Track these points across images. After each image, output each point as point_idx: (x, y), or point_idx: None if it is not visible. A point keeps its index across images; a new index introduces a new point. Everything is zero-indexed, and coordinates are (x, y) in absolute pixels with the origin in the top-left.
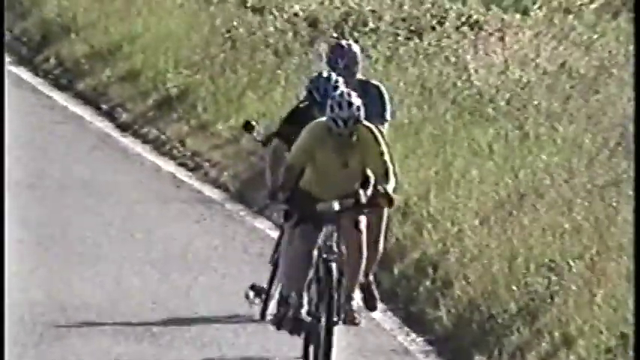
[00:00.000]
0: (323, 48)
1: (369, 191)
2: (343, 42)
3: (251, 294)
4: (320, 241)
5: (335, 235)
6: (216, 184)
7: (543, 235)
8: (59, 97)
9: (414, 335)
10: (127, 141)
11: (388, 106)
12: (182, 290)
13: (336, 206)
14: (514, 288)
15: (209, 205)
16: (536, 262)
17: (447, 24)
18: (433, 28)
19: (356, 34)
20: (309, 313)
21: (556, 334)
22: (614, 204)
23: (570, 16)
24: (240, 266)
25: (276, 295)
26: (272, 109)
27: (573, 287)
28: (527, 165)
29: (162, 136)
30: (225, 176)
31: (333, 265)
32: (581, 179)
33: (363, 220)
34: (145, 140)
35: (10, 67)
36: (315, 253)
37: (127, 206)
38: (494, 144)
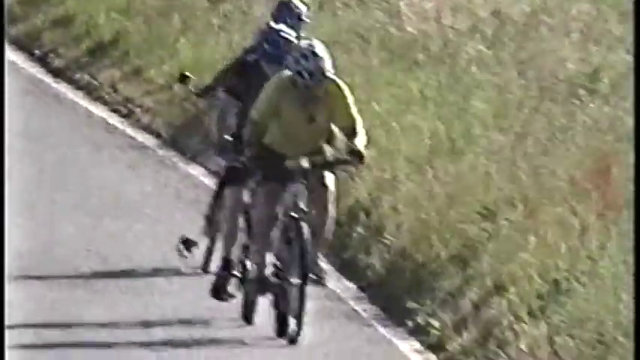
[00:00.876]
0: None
1: (340, 147)
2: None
3: (181, 246)
4: (288, 199)
5: (305, 193)
6: (148, 130)
7: (477, 182)
8: None
9: (346, 282)
10: (60, 87)
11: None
12: (115, 236)
13: (305, 163)
14: (447, 235)
15: (142, 151)
16: (470, 209)
17: None
18: None
19: None
20: (276, 274)
21: (487, 280)
22: (547, 149)
23: None
24: (173, 212)
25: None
26: (206, 56)
27: (506, 233)
28: (460, 112)
29: (95, 82)
30: (157, 122)
31: (304, 225)
32: (513, 126)
33: (329, 176)
34: (78, 86)
35: None
36: (281, 212)
37: (59, 152)
38: (426, 90)
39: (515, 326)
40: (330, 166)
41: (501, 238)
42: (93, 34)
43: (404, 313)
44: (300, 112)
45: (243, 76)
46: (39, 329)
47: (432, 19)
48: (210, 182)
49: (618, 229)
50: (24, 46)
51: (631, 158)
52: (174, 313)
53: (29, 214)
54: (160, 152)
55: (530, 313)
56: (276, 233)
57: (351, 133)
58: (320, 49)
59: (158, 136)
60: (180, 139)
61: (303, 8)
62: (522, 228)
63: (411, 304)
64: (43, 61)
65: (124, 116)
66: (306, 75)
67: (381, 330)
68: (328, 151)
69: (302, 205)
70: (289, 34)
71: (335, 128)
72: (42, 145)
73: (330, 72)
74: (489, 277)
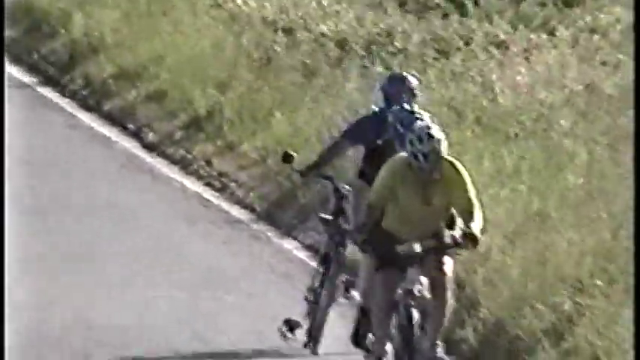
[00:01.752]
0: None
1: (457, 232)
2: (400, 73)
3: (284, 328)
4: (403, 286)
5: (418, 278)
6: (242, 204)
7: (570, 255)
8: (86, 118)
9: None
10: (154, 161)
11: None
12: (209, 311)
13: (418, 248)
14: (540, 307)
15: (236, 226)
16: (563, 281)
17: (474, 44)
18: (460, 49)
19: (384, 55)
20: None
21: (584, 355)
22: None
23: (596, 36)
24: (267, 286)
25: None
26: (299, 129)
27: (599, 306)
28: (553, 185)
29: (189, 156)
30: (251, 196)
31: (414, 312)
32: (606, 200)
33: (448, 261)
34: (172, 160)
35: (37, 87)
36: (398, 298)
37: (153, 226)
38: (520, 163)
39: None
40: (444, 249)
41: (594, 310)
42: (187, 108)
43: None
44: (417, 194)
45: (378, 162)
46: None
47: (524, 93)
48: (304, 256)
49: None
50: (118, 121)
51: None
52: None
53: (124, 288)
54: (254, 226)
55: None
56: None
57: (467, 216)
58: (436, 130)
59: (252, 210)
60: (274, 213)
61: (415, 82)
62: (615, 300)
63: None
64: (137, 136)
65: (218, 190)
66: (421, 158)
67: None
68: (447, 235)
69: (417, 292)
70: (420, 113)
71: (454, 211)
72: (137, 220)
73: (446, 154)
74: (585, 351)
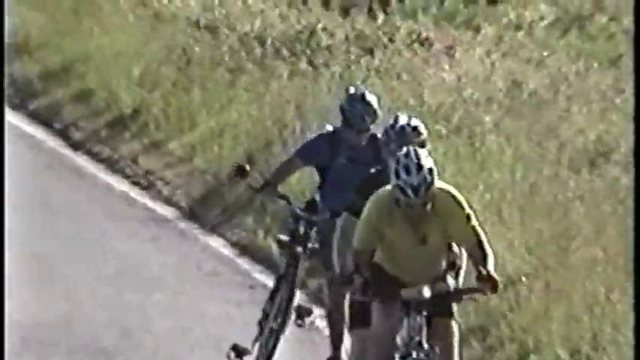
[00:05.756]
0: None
1: (461, 274)
2: (360, 91)
3: (232, 354)
4: (405, 333)
5: (424, 328)
6: (169, 202)
7: (501, 251)
8: (12, 117)
9: None
10: (80, 160)
11: None
12: (136, 308)
13: (427, 293)
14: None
15: (162, 224)
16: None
17: (398, 41)
18: (385, 46)
19: (308, 52)
20: None
21: (511, 347)
22: (575, 219)
23: (520, 33)
24: (194, 284)
25: None
26: (225, 128)
27: (530, 302)
28: (481, 182)
29: (115, 155)
30: (178, 194)
31: None
32: (540, 195)
33: (456, 310)
34: (98, 159)
35: None
36: (398, 342)
37: (79, 225)
38: (446, 161)
39: None
40: (457, 295)
41: (525, 306)
42: (113, 107)
43: None
44: (408, 233)
45: (369, 192)
46: None
47: (450, 90)
48: (231, 253)
49: None
50: (44, 120)
51: None
52: None
53: (50, 286)
54: (181, 224)
55: None
56: None
57: (475, 251)
58: (424, 157)
59: (178, 208)
60: (200, 211)
61: (375, 101)
62: (546, 296)
63: None
64: (63, 135)
65: (144, 189)
66: (409, 191)
67: None
68: (451, 279)
69: (423, 343)
70: (415, 126)
71: (456, 248)
72: (63, 218)
73: (437, 184)
74: (511, 345)
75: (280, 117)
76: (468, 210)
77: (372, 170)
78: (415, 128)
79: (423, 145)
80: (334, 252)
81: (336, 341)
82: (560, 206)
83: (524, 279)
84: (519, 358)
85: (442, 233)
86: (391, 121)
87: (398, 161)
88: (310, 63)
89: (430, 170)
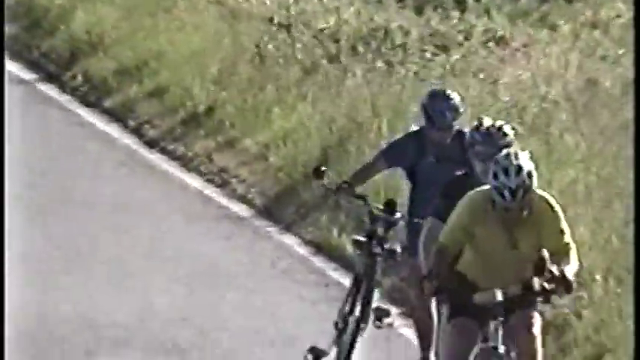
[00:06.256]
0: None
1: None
2: (441, 88)
3: (310, 357)
4: (480, 340)
5: (500, 332)
6: (243, 200)
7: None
8: (86, 114)
9: None
10: (155, 157)
11: None
12: (210, 307)
13: (499, 296)
14: None
15: (237, 222)
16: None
17: (474, 39)
18: (460, 44)
19: (383, 50)
20: None
21: (586, 347)
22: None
23: (597, 32)
24: (268, 283)
25: None
26: (299, 125)
27: (603, 301)
28: (555, 180)
29: (190, 153)
30: (252, 192)
31: None
32: (616, 194)
33: (537, 319)
34: (173, 157)
35: (37, 84)
36: (475, 352)
37: (154, 223)
38: None
39: None
40: (530, 297)
41: (596, 305)
42: (187, 104)
43: None
44: (501, 237)
45: (453, 196)
46: None
47: (526, 88)
48: (305, 252)
49: None
50: (119, 118)
51: None
52: None
53: (125, 284)
54: (255, 222)
55: None
56: None
57: (562, 260)
58: (525, 160)
59: (253, 206)
60: (275, 209)
61: (458, 98)
62: (617, 295)
63: None
64: (137, 133)
65: (218, 186)
66: (507, 194)
67: None
68: (537, 282)
69: (499, 348)
70: (500, 127)
71: (546, 255)
72: (136, 216)
73: (536, 189)
74: (584, 345)
75: (355, 115)
76: (562, 219)
77: (458, 173)
78: (500, 129)
79: (508, 147)
80: (420, 254)
81: (423, 343)
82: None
83: (597, 277)
84: (594, 358)
85: (534, 241)
86: (476, 123)
87: (497, 162)
88: (385, 61)
89: (529, 174)
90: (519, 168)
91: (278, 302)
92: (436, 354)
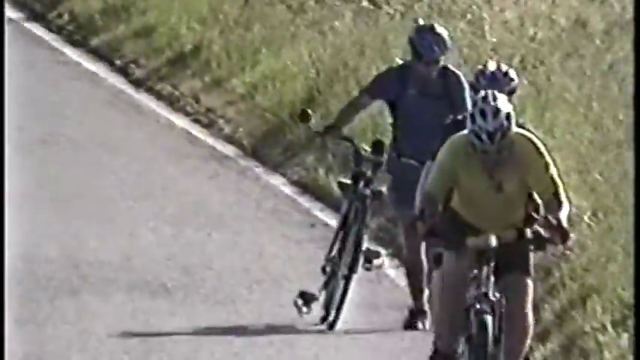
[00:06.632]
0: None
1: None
2: (429, 23)
3: (299, 302)
4: (471, 286)
5: (492, 279)
6: (230, 140)
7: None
8: (73, 53)
9: None
10: (141, 97)
11: (468, 97)
12: (196, 246)
13: (494, 241)
14: None
15: (223, 162)
16: None
17: None
18: None
19: None
20: None
21: (573, 287)
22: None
23: None
24: (254, 223)
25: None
26: (287, 66)
27: (589, 243)
28: (543, 123)
29: (176, 92)
30: (239, 132)
31: (488, 319)
32: (603, 136)
33: (529, 288)
34: (159, 96)
35: (23, 23)
36: (469, 301)
37: (140, 162)
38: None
39: (599, 336)
40: (524, 244)
41: (583, 246)
42: (174, 44)
43: None
44: (483, 180)
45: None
46: (120, 339)
47: (515, 30)
48: (291, 192)
49: None
50: (105, 57)
51: None
52: (255, 322)
53: (110, 224)
54: (241, 162)
55: (614, 324)
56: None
57: (551, 202)
58: (502, 102)
59: (239, 146)
60: (261, 149)
61: (445, 33)
62: (603, 237)
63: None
64: (124, 72)
65: (205, 126)
66: (484, 137)
67: None
68: (529, 230)
69: (489, 294)
70: (506, 72)
71: (536, 196)
72: (123, 155)
73: (516, 129)
74: (571, 286)
75: (342, 56)
76: (547, 158)
77: (459, 117)
78: (507, 74)
79: (513, 92)
80: (418, 196)
81: (415, 291)
82: (621, 147)
83: (586, 219)
84: (581, 299)
85: (519, 181)
86: (480, 67)
87: (475, 104)
88: (372, 1)
89: (508, 116)
90: (497, 110)
91: (264, 242)
92: (429, 301)
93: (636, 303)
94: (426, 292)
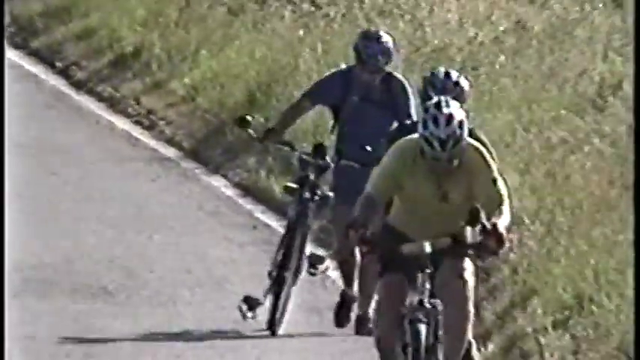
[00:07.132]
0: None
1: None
2: (375, 30)
3: (244, 307)
4: (410, 294)
5: (427, 285)
6: (171, 142)
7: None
8: (13, 56)
9: None
10: (82, 99)
11: (412, 104)
12: (138, 249)
13: (428, 247)
14: None
15: (164, 164)
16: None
17: None
18: None
19: None
20: None
21: (514, 288)
22: (572, 163)
23: None
24: (196, 225)
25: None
26: (227, 67)
27: (531, 244)
28: (485, 124)
29: (117, 94)
30: (180, 134)
31: (422, 328)
32: (543, 137)
33: (468, 266)
34: (100, 98)
35: None
36: (404, 312)
37: (82, 165)
38: None
39: (540, 338)
40: (459, 250)
41: (525, 247)
42: (115, 46)
43: None
44: (429, 187)
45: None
46: (62, 342)
47: (454, 30)
48: (232, 194)
49: None
50: (46, 59)
51: None
52: (197, 324)
53: (52, 226)
54: (182, 164)
55: (555, 325)
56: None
57: (493, 213)
58: (455, 108)
59: (180, 148)
60: (202, 151)
61: (391, 41)
62: (546, 238)
63: None
64: (65, 74)
65: (146, 128)
66: (436, 144)
67: None
68: (470, 234)
69: (424, 302)
70: (457, 81)
71: (479, 207)
72: (64, 157)
73: (468, 139)
74: (512, 287)
75: (282, 57)
76: (495, 173)
77: (407, 122)
78: (457, 83)
79: (464, 101)
80: (358, 201)
81: (347, 280)
82: (562, 147)
83: (526, 220)
84: (522, 300)
85: (465, 192)
86: (428, 76)
87: (427, 110)
88: (312, 2)
89: (460, 123)
90: (450, 117)
91: (206, 244)
92: (359, 290)
93: (636, 302)
94: (356, 283)
